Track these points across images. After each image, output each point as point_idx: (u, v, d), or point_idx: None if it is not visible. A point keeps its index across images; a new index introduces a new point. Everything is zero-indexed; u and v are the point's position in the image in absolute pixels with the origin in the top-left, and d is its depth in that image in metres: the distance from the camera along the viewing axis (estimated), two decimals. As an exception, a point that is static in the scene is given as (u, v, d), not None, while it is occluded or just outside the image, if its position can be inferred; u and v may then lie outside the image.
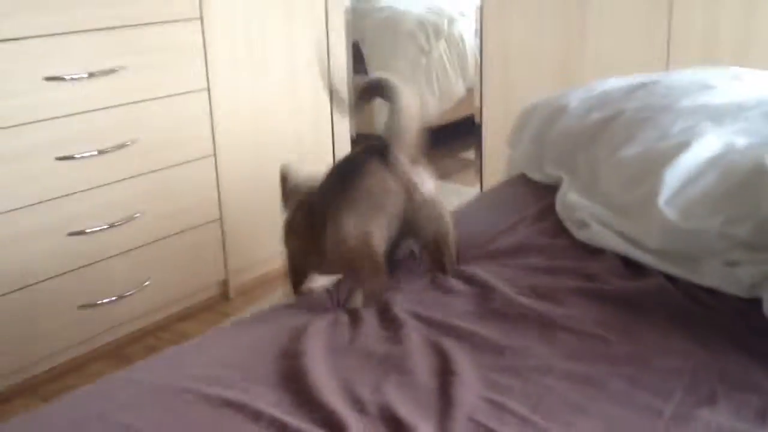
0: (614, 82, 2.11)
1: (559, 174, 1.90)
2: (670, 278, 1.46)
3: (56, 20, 2.18)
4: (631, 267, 1.52)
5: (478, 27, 3.26)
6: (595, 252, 1.59)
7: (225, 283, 2.84)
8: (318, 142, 3.12)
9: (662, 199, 1.52)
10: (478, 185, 3.42)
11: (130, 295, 2.49)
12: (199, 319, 2.68)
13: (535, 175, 2.03)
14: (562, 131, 1.97)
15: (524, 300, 1.42)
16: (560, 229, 1.70)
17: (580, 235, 1.64)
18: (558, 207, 1.78)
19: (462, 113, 4.38)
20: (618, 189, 1.67)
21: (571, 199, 1.73)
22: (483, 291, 1.46)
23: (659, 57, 2.82)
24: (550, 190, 1.92)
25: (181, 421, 1.06)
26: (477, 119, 3.37)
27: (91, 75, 2.28)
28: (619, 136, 1.80)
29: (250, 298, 2.84)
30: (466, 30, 4.37)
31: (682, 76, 2.04)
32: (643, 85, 2.00)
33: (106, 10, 2.29)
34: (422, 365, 1.22)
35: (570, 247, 1.62)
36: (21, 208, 2.18)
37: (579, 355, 1.25)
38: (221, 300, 2.83)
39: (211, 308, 2.77)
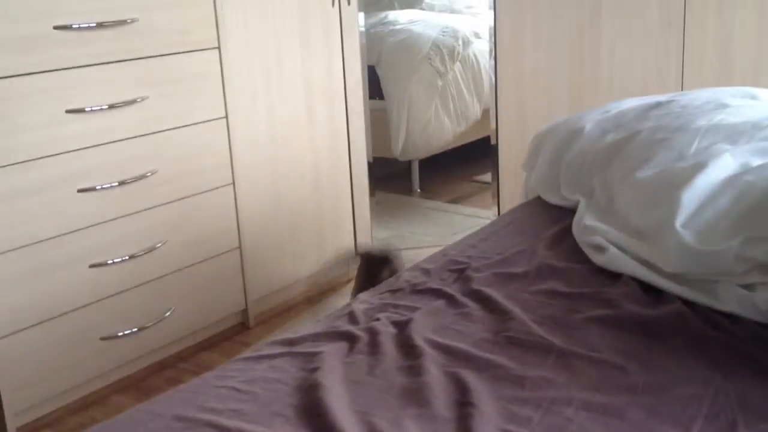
0: (629, 103, 2.12)
1: (576, 197, 1.90)
2: (688, 303, 1.45)
3: (76, 53, 2.22)
4: (649, 292, 1.51)
5: (493, 48, 3.27)
6: (612, 276, 1.59)
7: (245, 313, 2.85)
8: (335, 168, 3.14)
9: (679, 221, 1.52)
10: (495, 208, 3.42)
11: (151, 326, 2.50)
12: (220, 350, 2.69)
13: (552, 199, 2.03)
14: (578, 154, 1.97)
15: (542, 329, 1.41)
16: (577, 253, 1.70)
17: (598, 259, 1.63)
18: (575, 230, 1.78)
19: (478, 135, 4.38)
20: (635, 211, 1.67)
21: (587, 223, 1.73)
22: (500, 317, 1.46)
23: (674, 78, 2.82)
24: (566, 213, 1.92)
25: (201, 458, 1.07)
26: (493, 141, 3.38)
27: (111, 106, 2.32)
28: (635, 157, 1.79)
29: (270, 326, 2.85)
30: (481, 51, 4.39)
31: (697, 96, 2.03)
32: (658, 106, 2.00)
33: (125, 42, 2.33)
34: (441, 397, 1.22)
35: (587, 271, 1.62)
36: (43, 240, 2.21)
37: (598, 385, 1.24)
38: (241, 329, 2.84)
39: (231, 338, 2.78)
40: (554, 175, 2.03)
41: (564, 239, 1.79)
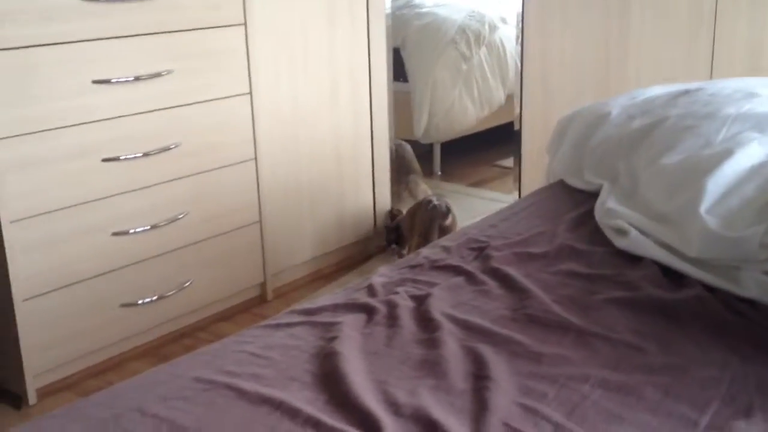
0: (657, 90, 2.10)
1: (599, 181, 1.89)
2: (708, 288, 1.44)
3: (105, 25, 2.23)
4: (670, 276, 1.51)
5: (519, 34, 3.25)
6: (633, 260, 1.58)
7: (263, 286, 2.87)
8: (357, 147, 3.14)
9: (704, 207, 1.51)
10: (516, 193, 3.41)
11: (171, 295, 2.53)
12: (237, 321, 2.71)
13: (575, 182, 2.02)
14: (603, 138, 1.96)
15: (560, 308, 1.41)
16: (598, 236, 1.70)
17: (619, 242, 1.63)
18: (597, 214, 1.77)
19: (501, 120, 4.37)
20: (659, 197, 1.66)
21: (610, 207, 1.72)
22: (519, 296, 1.46)
23: (702, 66, 2.79)
24: (589, 197, 1.91)
25: (220, 415, 1.08)
26: (516, 126, 3.36)
27: (137, 78, 2.33)
28: (661, 143, 1.78)
29: (287, 300, 2.87)
30: (507, 37, 4.37)
31: (726, 84, 2.01)
32: (686, 93, 1.98)
33: (153, 15, 2.34)
34: (457, 369, 1.23)
35: (608, 254, 1.62)
36: (67, 207, 2.23)
37: (615, 364, 1.24)
38: (259, 302, 2.86)
39: (249, 310, 2.80)
40: (578, 159, 2.02)
41: (585, 222, 1.79)
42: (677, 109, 1.89)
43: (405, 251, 3.10)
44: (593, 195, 1.89)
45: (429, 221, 2.91)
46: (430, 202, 2.97)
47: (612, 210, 1.71)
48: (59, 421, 1.09)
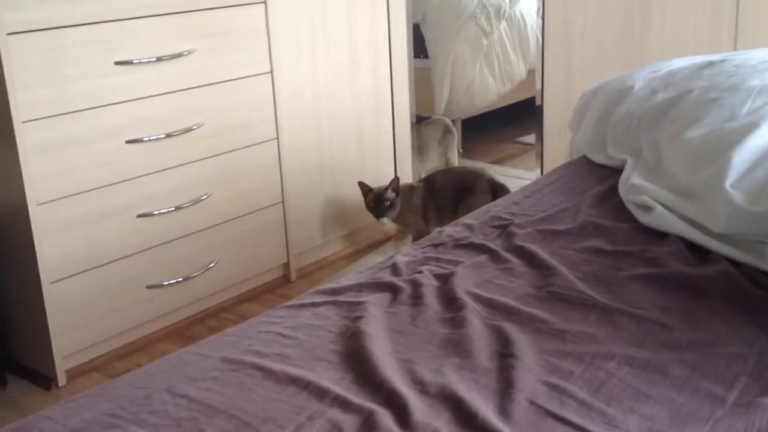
0: (680, 62, 2.07)
1: (623, 156, 1.87)
2: (734, 263, 1.43)
3: (126, 5, 2.24)
4: (696, 252, 1.50)
5: (541, 7, 3.21)
6: (658, 236, 1.57)
7: (286, 266, 2.89)
8: (378, 125, 3.14)
9: (729, 181, 1.50)
10: (538, 170, 3.39)
11: (196, 276, 2.55)
12: (261, 301, 2.73)
13: (598, 158, 2.01)
14: (626, 112, 1.94)
15: (585, 285, 1.41)
16: (622, 212, 1.69)
17: (644, 218, 1.62)
18: (621, 189, 1.76)
19: (523, 96, 4.33)
20: (683, 171, 1.64)
21: (634, 182, 1.71)
22: (543, 273, 1.46)
23: (726, 38, 2.75)
24: (612, 172, 1.90)
25: (248, 395, 1.10)
26: (538, 101, 3.33)
27: (158, 59, 2.34)
28: (685, 117, 1.76)
29: (311, 280, 2.88)
30: (528, 10, 4.31)
31: (751, 56, 1.98)
32: (710, 65, 1.96)
33: (173, -5, 2.35)
34: (482, 348, 1.23)
35: (632, 230, 1.61)
36: (93, 189, 2.25)
37: (641, 342, 1.24)
38: (283, 282, 2.88)
39: (273, 290, 2.82)
40: (601, 134, 2.01)
41: (609, 198, 1.77)
42: (701, 81, 1.87)
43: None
44: (617, 170, 1.88)
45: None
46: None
47: (636, 185, 1.70)
48: (90, 400, 1.11)
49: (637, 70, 2.16)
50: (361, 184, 2.91)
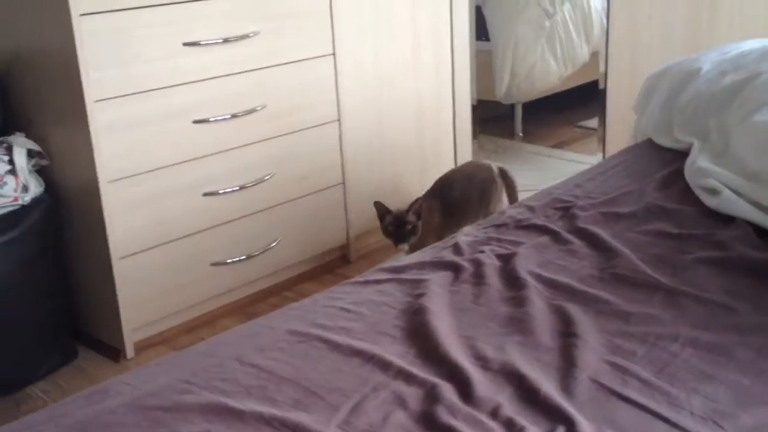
0: (750, 44, 2.03)
1: (689, 139, 1.85)
2: (805, 248, 1.41)
3: (193, -13, 2.29)
4: (763, 236, 1.48)
5: (606, -11, 3.17)
6: (725, 220, 1.55)
7: (346, 247, 2.92)
8: (439, 109, 3.14)
9: (800, 166, 1.47)
10: (600, 155, 3.35)
11: (258, 254, 2.60)
12: (321, 281, 2.77)
13: (664, 141, 1.98)
14: (694, 95, 1.91)
15: (649, 267, 1.40)
16: (688, 196, 1.67)
17: (710, 202, 1.60)
18: (687, 173, 1.74)
19: (585, 79, 4.27)
20: (752, 155, 1.62)
21: (701, 165, 1.68)
22: (606, 255, 1.45)
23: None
24: (678, 155, 1.87)
25: (314, 366, 1.13)
26: (601, 85, 3.29)
27: (225, 41, 2.38)
28: (754, 99, 1.73)
29: (370, 261, 2.91)
30: (592, -8, 4.25)
31: (827, 38, 1.93)
32: (782, 47, 1.91)
33: (238, -22, 2.38)
34: (544, 327, 1.24)
35: (698, 214, 1.59)
36: (161, 168, 2.31)
37: (706, 324, 1.23)
38: (342, 263, 2.91)
39: (333, 271, 2.86)
40: (667, 117, 1.98)
41: (675, 181, 1.75)
42: (773, 64, 1.83)
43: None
44: (682, 154, 1.85)
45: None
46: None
47: (703, 169, 1.67)
48: (164, 368, 1.15)
49: (705, 52, 2.12)
50: (378, 205, 2.58)
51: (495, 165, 2.74)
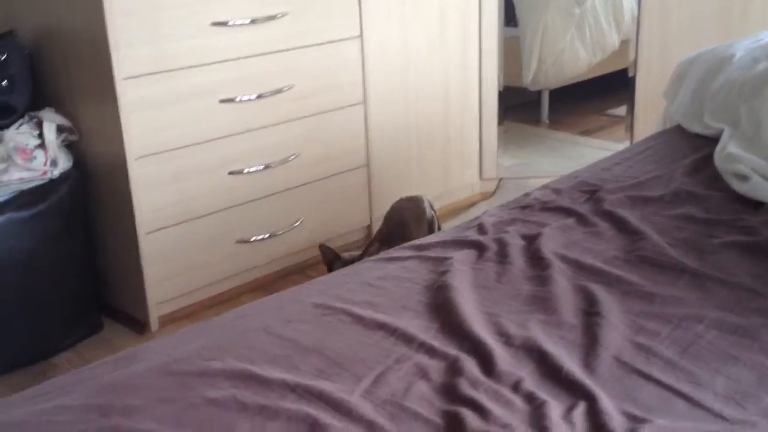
0: (784, 32, 2.01)
1: (720, 126, 1.83)
2: (835, 234, 1.39)
3: (222, -33, 2.29)
4: (793, 222, 1.46)
5: (637, -24, 3.14)
6: (754, 205, 1.54)
7: (369, 229, 2.93)
8: (465, 94, 3.13)
9: (832, 152, 1.45)
10: (628, 142, 3.33)
11: (281, 233, 2.61)
12: (345, 261, 2.78)
13: (694, 127, 1.97)
14: (725, 82, 1.89)
15: (675, 250, 1.40)
16: (717, 181, 1.65)
17: (740, 187, 1.59)
18: (716, 159, 1.72)
19: (615, 67, 4.23)
20: (783, 142, 1.60)
21: (731, 151, 1.67)
22: (632, 238, 1.45)
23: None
24: (707, 141, 1.86)
25: (339, 337, 1.14)
26: (631, 72, 3.26)
27: (253, 21, 2.39)
28: (787, 87, 1.71)
29: (393, 243, 2.91)
30: (623, -20, 4.21)
31: None
32: (816, 35, 1.89)
33: (267, -43, 2.39)
34: (568, 306, 1.24)
35: (727, 199, 1.58)
36: (187, 146, 2.33)
37: (731, 307, 1.23)
38: (365, 244, 2.92)
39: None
40: (698, 103, 1.96)
41: (704, 167, 1.74)
42: (807, 51, 1.80)
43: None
44: (712, 140, 1.84)
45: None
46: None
47: (733, 155, 1.66)
48: (191, 336, 1.17)
49: (738, 39, 2.10)
50: (323, 248, 2.29)
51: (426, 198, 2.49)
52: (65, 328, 2.27)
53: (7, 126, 2.20)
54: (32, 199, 2.14)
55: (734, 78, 1.87)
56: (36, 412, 0.99)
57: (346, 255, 2.26)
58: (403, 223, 2.41)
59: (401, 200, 2.51)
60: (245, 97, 2.43)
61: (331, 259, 2.27)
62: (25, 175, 2.15)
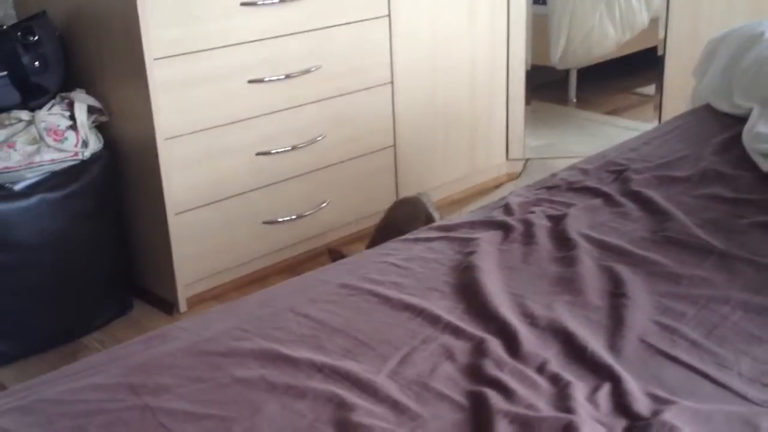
0: (818, 9, 1.97)
1: (749, 104, 1.81)
2: None
3: (250, -52, 2.30)
4: (823, 202, 1.45)
5: (667, -47, 3.09)
6: (783, 186, 1.53)
7: (396, 209, 2.94)
8: (492, 73, 3.11)
9: None
10: (656, 122, 3.29)
11: (309, 215, 2.63)
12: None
13: (723, 106, 1.94)
14: (756, 60, 1.87)
15: (702, 231, 1.39)
16: (746, 161, 1.64)
17: (768, 167, 1.57)
18: (745, 138, 1.71)
19: (643, 45, 4.18)
20: (814, 121, 1.58)
21: (760, 130, 1.65)
22: (659, 218, 1.44)
23: None
24: (736, 121, 1.84)
25: (365, 318, 1.15)
26: (660, 51, 3.22)
27: (282, 1, 2.39)
28: (820, 65, 1.69)
29: (419, 223, 2.92)
30: (653, -43, 4.15)
31: None
32: None
33: (294, -62, 2.38)
34: (594, 287, 1.24)
35: (756, 179, 1.56)
36: (216, 127, 2.35)
37: (758, 288, 1.22)
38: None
39: (383, 231, 2.88)
40: (727, 82, 1.94)
41: (732, 146, 1.72)
42: (840, 28, 1.77)
43: None
44: (741, 119, 1.82)
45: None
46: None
47: (762, 134, 1.64)
48: (220, 315, 1.19)
49: (769, 16, 2.07)
50: (332, 251, 2.36)
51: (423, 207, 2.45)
52: (96, 308, 2.31)
53: (39, 107, 2.23)
54: (63, 180, 2.17)
55: (765, 56, 1.85)
56: (69, 391, 1.02)
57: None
58: (399, 232, 2.39)
59: (398, 202, 2.53)
60: (273, 78, 2.44)
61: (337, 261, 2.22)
62: (56, 156, 2.18)
